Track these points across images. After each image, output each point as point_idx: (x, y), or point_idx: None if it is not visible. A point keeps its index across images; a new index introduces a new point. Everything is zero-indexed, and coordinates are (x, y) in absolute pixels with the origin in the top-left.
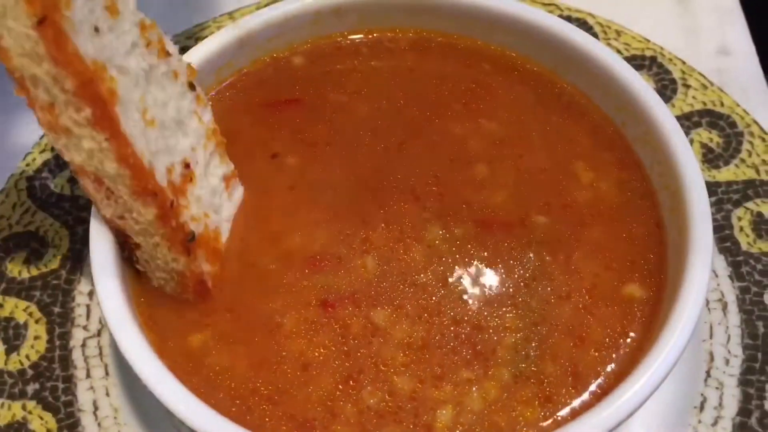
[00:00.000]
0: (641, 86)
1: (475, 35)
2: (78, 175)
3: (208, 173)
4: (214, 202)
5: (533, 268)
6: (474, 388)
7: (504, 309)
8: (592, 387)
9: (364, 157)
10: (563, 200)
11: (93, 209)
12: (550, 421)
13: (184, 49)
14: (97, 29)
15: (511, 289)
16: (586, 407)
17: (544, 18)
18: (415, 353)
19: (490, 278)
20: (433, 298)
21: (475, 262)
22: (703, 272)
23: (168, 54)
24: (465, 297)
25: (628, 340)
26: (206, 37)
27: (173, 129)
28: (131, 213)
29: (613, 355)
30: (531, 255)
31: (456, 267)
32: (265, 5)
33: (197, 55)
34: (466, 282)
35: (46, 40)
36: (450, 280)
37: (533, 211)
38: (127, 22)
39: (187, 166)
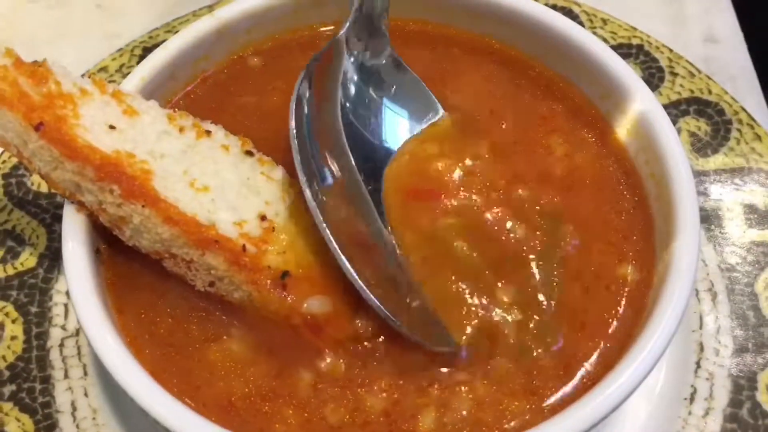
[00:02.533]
0: (627, 74)
1: (459, 24)
2: (164, 262)
3: (295, 218)
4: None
5: (513, 252)
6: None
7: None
8: (579, 378)
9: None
10: (546, 187)
11: (65, 206)
12: (537, 412)
13: (164, 42)
14: (113, 127)
15: (491, 274)
16: (573, 398)
17: (529, 5)
18: None
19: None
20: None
21: (459, 242)
22: (690, 260)
23: (208, 133)
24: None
25: (615, 329)
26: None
27: (237, 190)
28: (210, 271)
29: (600, 345)
30: (512, 236)
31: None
32: None
33: (174, 46)
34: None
35: (52, 142)
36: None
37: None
38: (149, 117)
39: (263, 218)
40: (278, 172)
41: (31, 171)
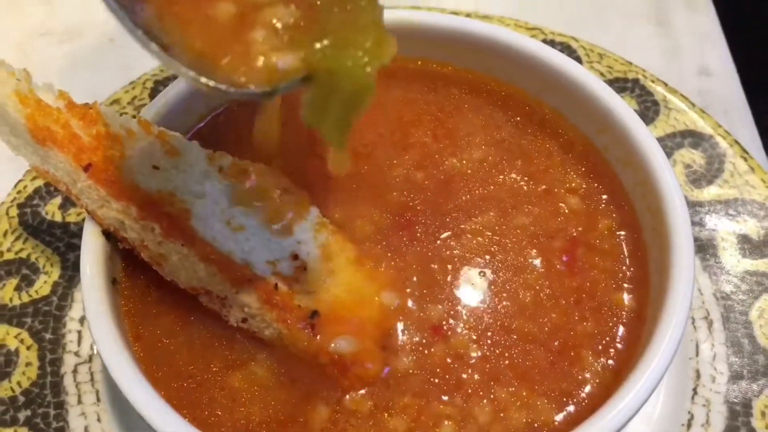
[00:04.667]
0: (622, 108)
1: (458, 62)
2: (200, 297)
3: (326, 259)
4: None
5: (511, 281)
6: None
7: (475, 322)
8: (577, 404)
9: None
10: (547, 221)
11: (84, 230)
12: None
13: (176, 76)
14: (156, 167)
15: (485, 298)
16: (573, 424)
17: (526, 42)
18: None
19: (471, 291)
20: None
21: (462, 273)
22: (685, 290)
23: (245, 173)
24: (444, 299)
25: (613, 358)
26: None
27: (271, 231)
28: (243, 308)
29: (598, 373)
30: (508, 265)
31: (435, 269)
32: None
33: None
34: (449, 295)
35: (99, 182)
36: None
37: (511, 224)
38: (190, 157)
39: (295, 257)
40: (312, 213)
41: (78, 207)
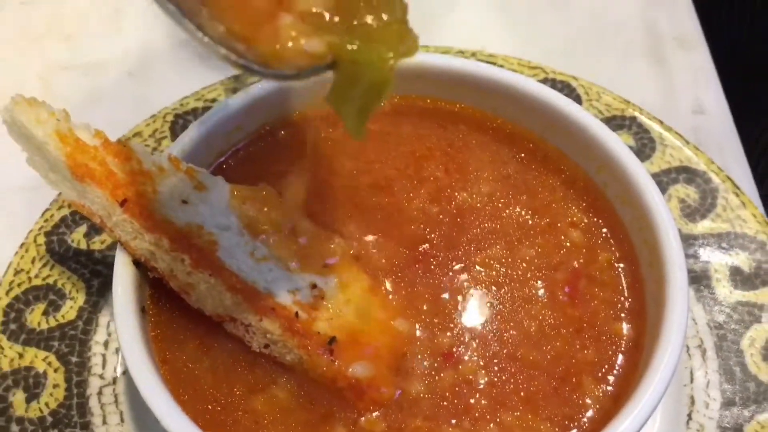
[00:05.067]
0: (619, 148)
1: (465, 101)
2: (225, 324)
3: (343, 288)
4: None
5: (517, 310)
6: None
7: (482, 350)
8: (579, 428)
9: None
10: (550, 254)
11: (116, 260)
12: None
13: (195, 110)
14: (185, 201)
15: (491, 327)
16: None
17: (530, 84)
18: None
19: (479, 320)
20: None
21: (471, 303)
22: (680, 321)
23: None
24: (454, 327)
25: (612, 384)
26: (213, 98)
27: (292, 261)
28: (266, 335)
29: (599, 399)
30: (514, 296)
31: (445, 300)
32: None
33: (210, 120)
34: (459, 324)
35: (133, 216)
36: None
37: (515, 260)
38: (217, 192)
39: (314, 287)
40: (332, 245)
41: (112, 238)
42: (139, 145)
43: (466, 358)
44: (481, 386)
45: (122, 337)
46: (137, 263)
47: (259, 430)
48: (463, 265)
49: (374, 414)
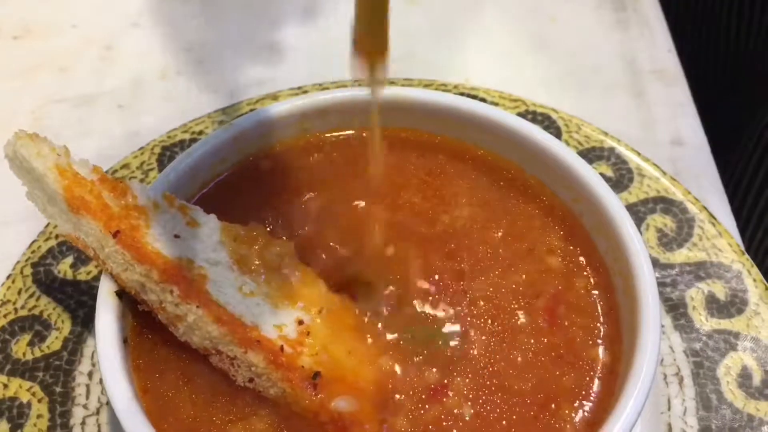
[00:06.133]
0: (595, 179)
1: (446, 132)
2: (210, 357)
3: (328, 324)
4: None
5: (493, 335)
6: None
7: (463, 373)
8: None
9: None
10: (530, 280)
11: (99, 291)
12: None
13: (182, 142)
14: (177, 236)
15: (472, 355)
16: None
17: (509, 118)
18: None
19: (461, 349)
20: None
21: (453, 333)
22: (652, 351)
23: (258, 244)
24: (435, 359)
25: (589, 411)
26: (200, 130)
27: (279, 296)
28: (251, 368)
29: (575, 425)
30: (492, 323)
31: (426, 329)
32: (256, 102)
33: (196, 153)
34: (433, 346)
35: (126, 247)
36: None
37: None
38: (207, 228)
39: (300, 322)
40: (318, 282)
41: (103, 270)
42: (135, 182)
43: (450, 391)
44: (466, 418)
45: (104, 367)
46: (120, 294)
47: None
48: (442, 295)
49: None
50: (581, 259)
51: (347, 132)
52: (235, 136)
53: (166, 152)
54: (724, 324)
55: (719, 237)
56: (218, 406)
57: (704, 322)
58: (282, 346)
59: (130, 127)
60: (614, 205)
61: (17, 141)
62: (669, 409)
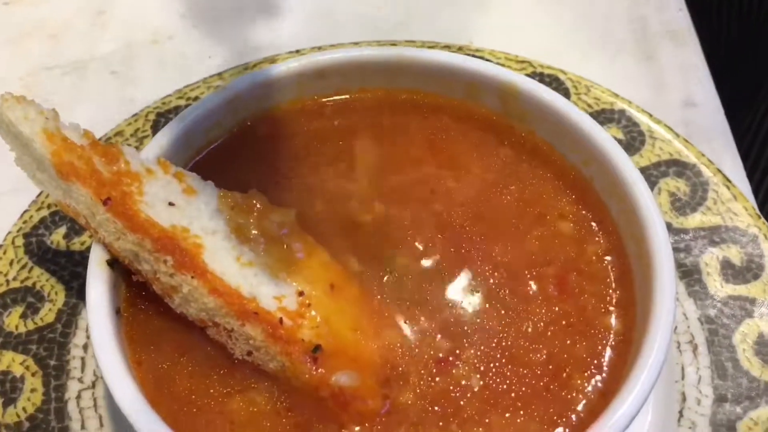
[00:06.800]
0: (606, 140)
1: (450, 94)
2: (207, 330)
3: (331, 296)
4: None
5: (502, 303)
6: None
7: (473, 343)
8: (569, 426)
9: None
10: (540, 247)
11: (90, 260)
12: None
13: (177, 108)
14: (172, 203)
15: (481, 324)
16: None
17: (517, 78)
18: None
19: (464, 313)
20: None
21: (461, 302)
22: (667, 318)
23: (257, 212)
24: (442, 330)
25: (602, 380)
26: (196, 96)
27: (279, 267)
28: (249, 340)
29: (588, 395)
30: (502, 291)
31: (433, 298)
32: (254, 66)
33: (189, 117)
34: (441, 315)
35: (117, 215)
36: (422, 316)
37: (503, 250)
38: (204, 196)
39: (301, 294)
40: (320, 252)
41: (95, 239)
42: (128, 147)
43: (458, 362)
44: (475, 390)
45: (95, 337)
46: (112, 263)
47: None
48: (450, 263)
49: (356, 429)
50: (593, 224)
51: (346, 95)
52: (230, 100)
53: (161, 119)
54: (740, 290)
55: (734, 200)
56: (215, 379)
57: (719, 288)
58: (281, 318)
59: (123, 94)
60: (626, 166)
61: (3, 104)
62: (683, 377)
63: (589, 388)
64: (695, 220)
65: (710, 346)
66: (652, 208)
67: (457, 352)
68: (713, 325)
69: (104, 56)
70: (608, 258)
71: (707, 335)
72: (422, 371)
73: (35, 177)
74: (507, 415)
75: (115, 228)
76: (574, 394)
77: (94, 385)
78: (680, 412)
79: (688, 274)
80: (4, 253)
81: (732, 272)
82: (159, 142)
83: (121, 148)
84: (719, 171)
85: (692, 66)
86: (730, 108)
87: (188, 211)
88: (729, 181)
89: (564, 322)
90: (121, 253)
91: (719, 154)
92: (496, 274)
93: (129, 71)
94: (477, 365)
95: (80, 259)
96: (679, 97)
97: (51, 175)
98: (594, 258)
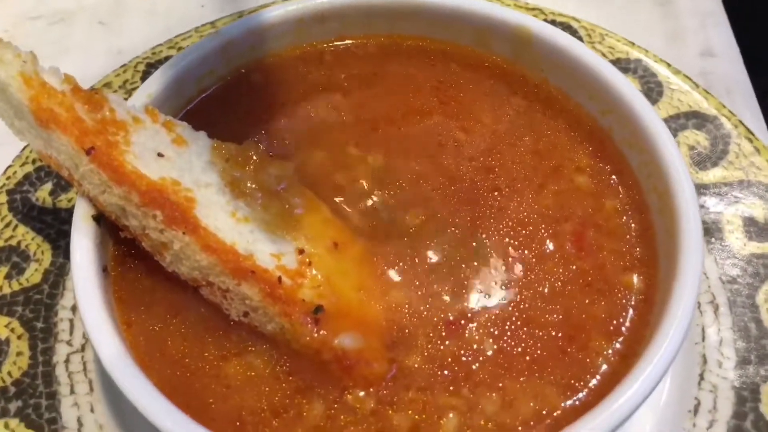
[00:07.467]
0: (626, 88)
1: (458, 40)
2: (201, 289)
3: (333, 254)
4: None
5: (516, 262)
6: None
7: (484, 303)
8: (587, 391)
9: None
10: (556, 202)
11: (74, 215)
12: (548, 426)
13: (168, 58)
14: (161, 154)
15: (494, 284)
16: (580, 412)
17: (529, 21)
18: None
19: (475, 273)
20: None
21: (472, 260)
22: (694, 277)
23: (254, 164)
24: (452, 290)
25: (622, 343)
26: (188, 46)
27: (278, 222)
28: (245, 301)
29: (608, 358)
30: (515, 249)
31: (442, 258)
32: (249, 13)
33: (180, 63)
34: (450, 276)
35: (101, 166)
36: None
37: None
38: (196, 147)
39: (301, 252)
40: (321, 207)
41: (80, 193)
42: (113, 95)
43: (468, 323)
44: (487, 353)
45: (80, 297)
46: (98, 219)
47: (229, 397)
48: (461, 221)
49: (365, 395)
50: (612, 177)
51: (348, 41)
52: (223, 46)
53: (151, 69)
54: (764, 248)
55: (757, 154)
56: (210, 341)
57: (742, 246)
58: (280, 277)
59: (111, 45)
60: (649, 115)
61: None
62: (703, 339)
63: (609, 351)
64: (716, 174)
65: (732, 307)
66: (677, 160)
67: (469, 314)
68: (735, 285)
69: (92, 5)
70: (628, 213)
71: (729, 295)
72: (431, 333)
73: (14, 126)
74: (522, 379)
75: (100, 180)
76: (593, 357)
77: (83, 348)
78: (701, 375)
79: (709, 231)
80: None
81: (755, 229)
82: (147, 90)
83: (106, 95)
84: (741, 123)
85: (710, 14)
86: (749, 57)
87: (179, 162)
88: (752, 133)
89: (582, 281)
90: (107, 207)
91: (738, 105)
92: (509, 231)
93: (117, 21)
94: (489, 327)
95: (67, 217)
96: (697, 47)
97: (30, 122)
98: (613, 213)
